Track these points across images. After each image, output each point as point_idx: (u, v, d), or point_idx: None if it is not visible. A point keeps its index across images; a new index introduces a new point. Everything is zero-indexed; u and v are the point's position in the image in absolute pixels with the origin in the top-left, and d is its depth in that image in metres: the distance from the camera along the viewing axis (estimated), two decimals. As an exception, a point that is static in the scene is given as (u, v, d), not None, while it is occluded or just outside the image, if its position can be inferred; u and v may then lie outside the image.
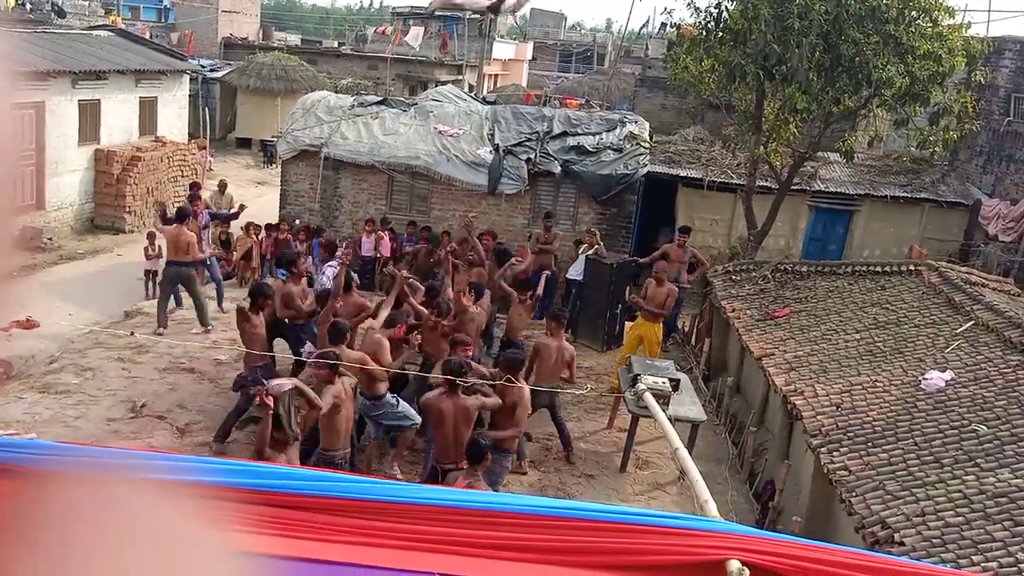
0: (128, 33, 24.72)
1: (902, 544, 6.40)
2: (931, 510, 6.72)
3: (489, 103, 20.89)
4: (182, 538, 0.94)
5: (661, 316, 11.99)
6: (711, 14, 14.19)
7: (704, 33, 14.42)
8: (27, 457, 1.83)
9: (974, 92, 14.39)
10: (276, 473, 2.93)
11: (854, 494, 7.23)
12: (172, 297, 12.97)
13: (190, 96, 24.26)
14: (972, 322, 9.84)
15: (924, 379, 8.83)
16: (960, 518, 6.56)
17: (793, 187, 15.84)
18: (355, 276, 10.98)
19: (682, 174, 17.57)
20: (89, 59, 19.18)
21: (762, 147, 14.75)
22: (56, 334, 12.07)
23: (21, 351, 11.38)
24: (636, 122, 18.14)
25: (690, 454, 6.09)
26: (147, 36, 28.98)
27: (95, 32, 23.39)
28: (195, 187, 15.73)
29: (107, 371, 10.97)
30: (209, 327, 12.71)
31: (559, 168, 16.47)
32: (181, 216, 12.71)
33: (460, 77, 34.69)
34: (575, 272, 14.60)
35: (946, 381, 8.71)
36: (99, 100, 19.22)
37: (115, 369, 11.06)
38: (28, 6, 32.74)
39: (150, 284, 14.93)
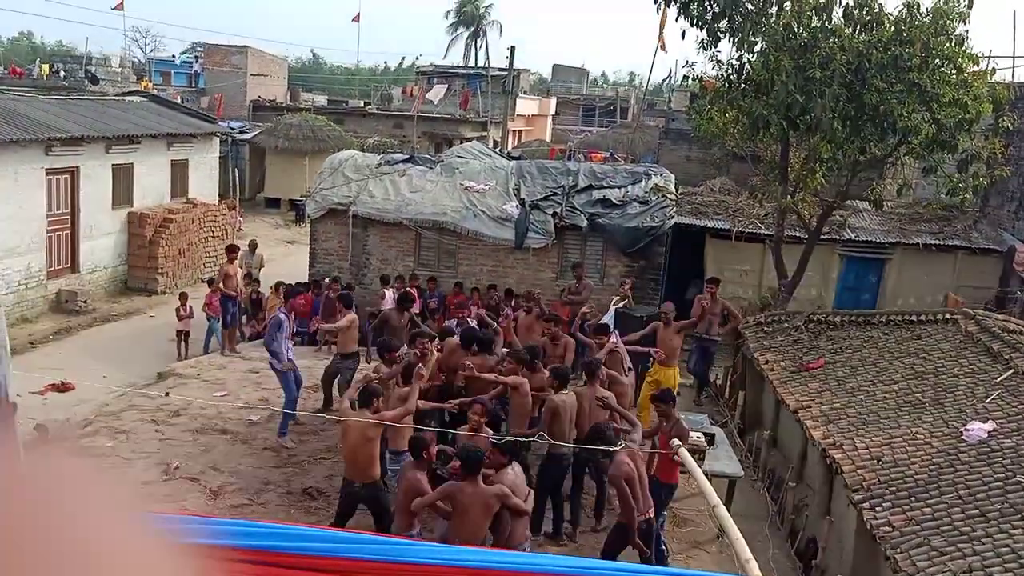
0: (160, 98, 25.38)
1: (952, 603, 6.21)
2: (978, 566, 6.53)
3: (514, 158, 21.09)
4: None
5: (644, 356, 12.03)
6: (733, 67, 14.27)
7: (727, 85, 14.49)
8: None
9: (1003, 138, 14.32)
10: (310, 536, 2.89)
11: (899, 551, 7.05)
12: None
13: (220, 158, 24.72)
14: (1012, 371, 9.66)
15: (966, 430, 8.65)
16: (1009, 574, 6.36)
17: (823, 236, 15.74)
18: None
19: (709, 225, 17.54)
20: (122, 124, 19.65)
21: (789, 197, 14.71)
22: (91, 397, 12.17)
23: (57, 414, 11.47)
24: (661, 174, 18.19)
25: (728, 511, 5.99)
26: (178, 101, 29.72)
27: (128, 98, 24.06)
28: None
29: (140, 433, 11.01)
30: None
31: (585, 222, 16.52)
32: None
33: (485, 133, 35.12)
34: (606, 324, 14.57)
35: (988, 432, 8.52)
36: (132, 164, 19.63)
37: (148, 431, 11.11)
38: (62, 73, 33.72)
39: (182, 344, 15.08)
